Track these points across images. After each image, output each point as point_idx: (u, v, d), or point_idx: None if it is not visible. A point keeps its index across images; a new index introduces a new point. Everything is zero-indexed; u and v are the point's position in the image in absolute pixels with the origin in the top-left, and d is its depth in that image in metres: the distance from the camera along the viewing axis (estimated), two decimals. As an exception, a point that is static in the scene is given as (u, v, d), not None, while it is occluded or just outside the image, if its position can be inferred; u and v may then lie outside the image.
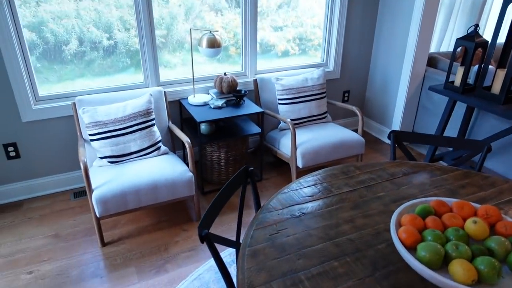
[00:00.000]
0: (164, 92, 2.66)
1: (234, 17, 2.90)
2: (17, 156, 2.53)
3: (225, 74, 2.75)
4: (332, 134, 2.76)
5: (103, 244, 2.22)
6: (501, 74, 2.35)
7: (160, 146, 2.47)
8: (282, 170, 3.05)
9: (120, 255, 2.15)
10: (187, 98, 2.82)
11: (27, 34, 2.33)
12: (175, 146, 2.90)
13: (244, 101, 2.79)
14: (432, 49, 4.12)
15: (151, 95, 2.44)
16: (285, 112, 2.86)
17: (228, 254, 2.15)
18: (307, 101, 2.88)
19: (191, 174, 2.28)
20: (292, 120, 2.86)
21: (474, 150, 1.73)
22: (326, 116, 3.02)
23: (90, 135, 2.30)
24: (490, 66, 2.49)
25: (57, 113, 2.51)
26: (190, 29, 2.60)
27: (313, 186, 1.47)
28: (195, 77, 2.89)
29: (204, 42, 2.53)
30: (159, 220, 2.45)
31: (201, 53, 2.62)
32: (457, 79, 2.57)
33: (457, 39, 2.48)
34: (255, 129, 2.72)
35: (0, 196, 2.57)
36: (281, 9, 3.09)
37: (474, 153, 2.58)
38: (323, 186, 1.47)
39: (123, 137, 2.31)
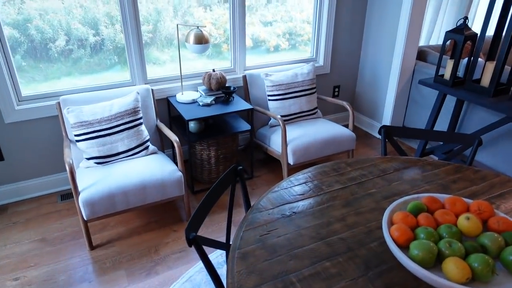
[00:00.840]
0: (152, 90, 2.61)
1: (223, 12, 2.85)
2: (1, 158, 2.45)
3: (213, 70, 2.70)
4: (323, 130, 2.74)
5: (92, 247, 2.17)
6: (490, 67, 2.35)
7: (148, 146, 2.42)
8: (273, 167, 3.02)
9: (109, 258, 2.11)
10: (175, 95, 2.77)
11: (9, 32, 2.25)
12: (163, 145, 2.85)
13: (233, 98, 2.75)
14: (422, 42, 4.11)
15: (138, 93, 2.39)
16: (275, 108, 2.83)
17: (220, 254, 2.12)
18: (297, 97, 2.84)
19: (180, 173, 2.24)
20: (282, 116, 2.83)
21: (465, 144, 1.72)
22: (316, 112, 2.99)
23: (76, 135, 2.24)
24: (479, 59, 2.49)
25: (41, 113, 2.44)
26: (177, 25, 2.55)
27: (303, 184, 1.44)
28: (183, 74, 2.84)
29: (191, 38, 2.48)
30: (149, 221, 2.41)
31: (188, 49, 2.57)
32: (447, 73, 2.56)
33: (447, 32, 2.47)
34: (245, 126, 2.68)
35: (-16, 200, 2.51)
36: (270, 3, 3.05)
37: (465, 147, 2.58)
38: (314, 184, 1.44)
39: (110, 137, 2.26)
